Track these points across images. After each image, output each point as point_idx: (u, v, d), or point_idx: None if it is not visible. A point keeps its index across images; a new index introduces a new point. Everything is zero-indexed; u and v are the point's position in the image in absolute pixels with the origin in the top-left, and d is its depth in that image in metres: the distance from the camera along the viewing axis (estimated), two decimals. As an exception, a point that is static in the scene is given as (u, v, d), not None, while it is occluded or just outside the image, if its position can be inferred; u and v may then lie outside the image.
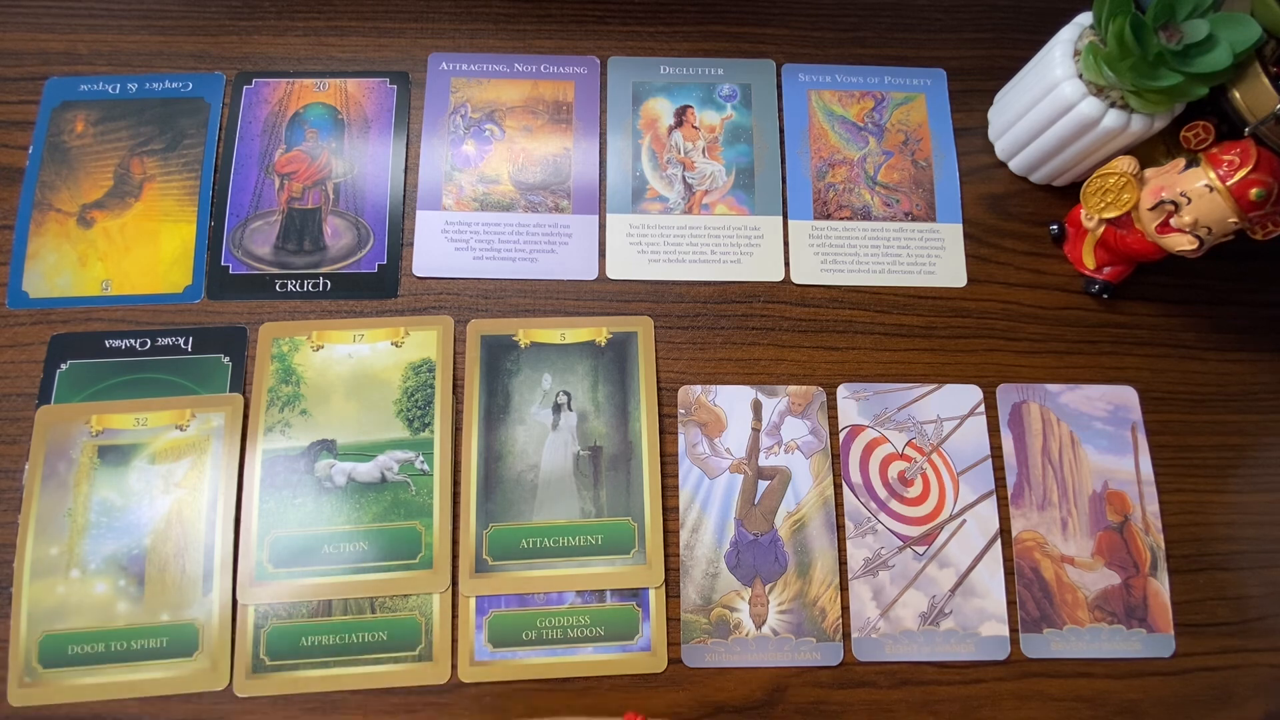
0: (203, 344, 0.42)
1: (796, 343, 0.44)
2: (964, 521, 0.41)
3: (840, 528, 0.41)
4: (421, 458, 0.40)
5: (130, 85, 0.46)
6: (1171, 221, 0.39)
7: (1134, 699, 0.40)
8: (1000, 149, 0.48)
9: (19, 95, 0.45)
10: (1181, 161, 0.39)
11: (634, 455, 0.41)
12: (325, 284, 0.43)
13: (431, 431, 0.41)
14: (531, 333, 0.43)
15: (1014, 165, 0.47)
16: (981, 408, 0.43)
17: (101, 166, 0.44)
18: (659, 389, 0.42)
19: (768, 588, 0.40)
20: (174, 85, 0.46)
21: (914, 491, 0.42)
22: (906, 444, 0.43)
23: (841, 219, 0.46)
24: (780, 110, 0.48)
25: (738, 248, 0.45)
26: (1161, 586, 0.41)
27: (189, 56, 0.47)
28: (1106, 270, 0.45)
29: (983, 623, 0.40)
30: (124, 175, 0.44)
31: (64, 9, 0.47)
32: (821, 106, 0.48)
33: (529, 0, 0.49)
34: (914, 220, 0.47)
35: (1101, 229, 0.43)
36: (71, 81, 0.45)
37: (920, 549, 0.41)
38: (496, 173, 0.46)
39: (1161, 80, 0.38)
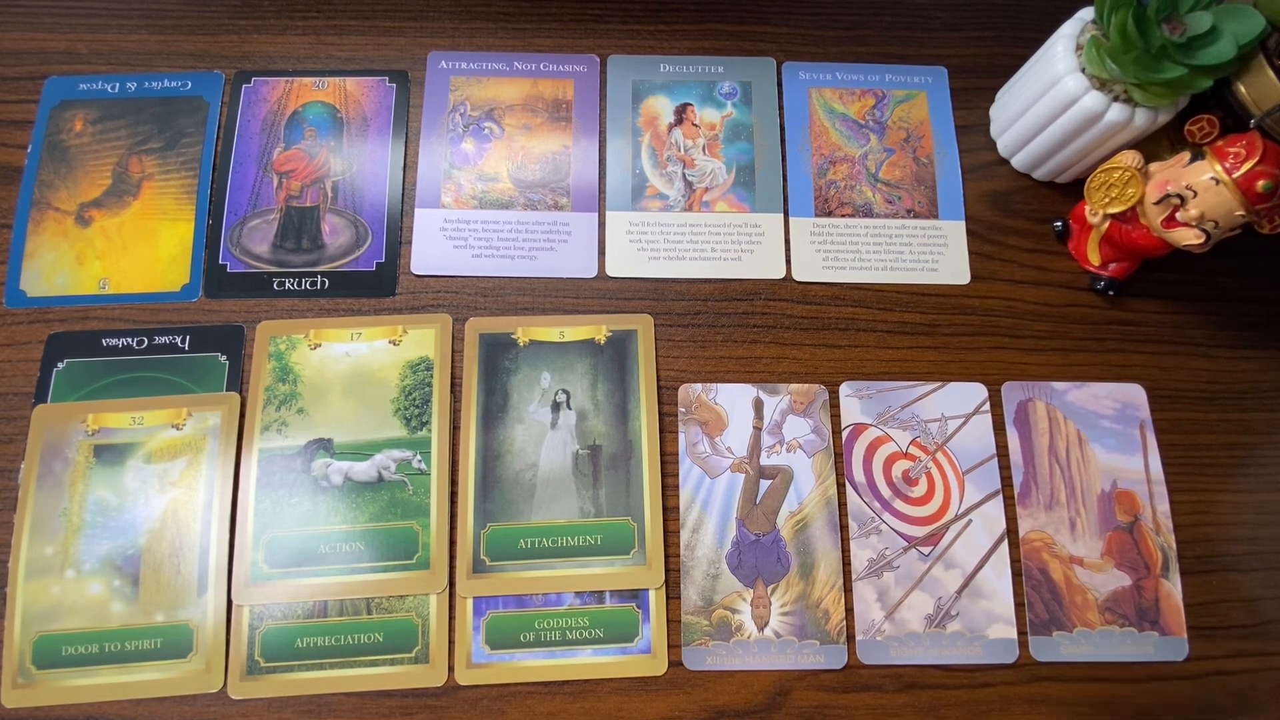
0: (200, 343, 0.42)
1: (798, 340, 0.44)
2: (970, 521, 0.41)
3: (844, 528, 0.40)
4: (419, 457, 0.40)
5: (129, 84, 0.46)
6: (1177, 215, 0.38)
7: (1147, 704, 0.39)
8: (1003, 146, 0.47)
9: (18, 94, 0.45)
10: (1186, 155, 0.38)
11: (634, 454, 0.41)
12: (323, 282, 0.43)
13: (429, 430, 0.40)
14: (530, 331, 0.43)
15: (1016, 162, 0.47)
16: (986, 406, 0.43)
17: (100, 165, 0.44)
18: (659, 387, 0.42)
19: (770, 589, 0.39)
20: (173, 84, 0.46)
21: (918, 491, 0.41)
22: (910, 443, 0.42)
23: (843, 216, 0.46)
24: (781, 108, 0.48)
25: (738, 245, 0.45)
26: (1173, 588, 0.40)
27: (188, 55, 0.47)
28: (1112, 266, 0.44)
29: (990, 625, 0.39)
30: (122, 174, 0.44)
31: (64, 9, 0.47)
32: (822, 104, 0.48)
33: None
34: (916, 217, 0.46)
35: (1106, 225, 0.42)
36: (71, 80, 0.46)
37: (925, 549, 0.40)
38: (496, 171, 0.46)
39: (1165, 73, 0.38)
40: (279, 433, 0.40)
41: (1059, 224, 0.46)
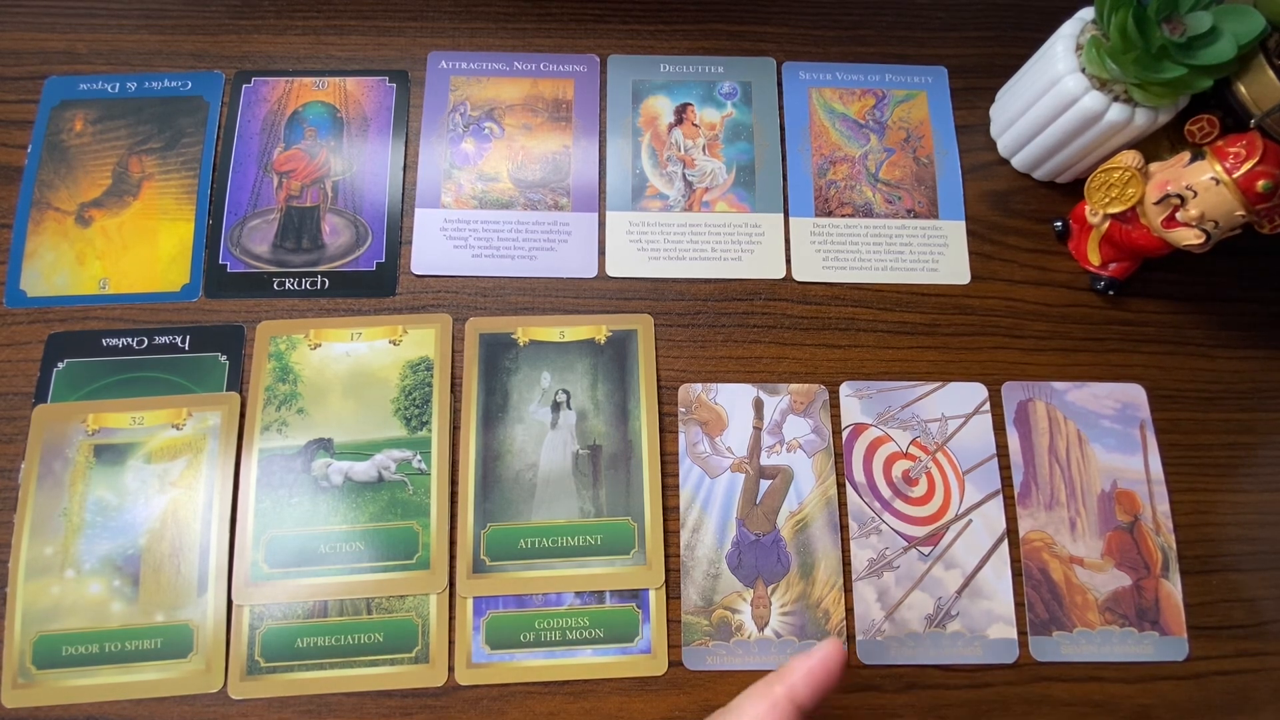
0: (200, 343, 0.42)
1: (798, 340, 0.44)
2: (970, 521, 0.41)
3: (844, 528, 0.40)
4: (419, 457, 0.40)
5: (129, 84, 0.46)
6: (1178, 216, 0.38)
7: (1147, 704, 0.39)
8: (1003, 146, 0.47)
9: (18, 94, 0.45)
10: (1186, 155, 0.38)
11: (634, 454, 0.41)
12: (323, 282, 0.43)
13: (429, 430, 0.40)
14: (530, 331, 0.43)
15: (1016, 162, 0.47)
16: (987, 406, 0.43)
17: (100, 165, 0.44)
18: (659, 387, 0.42)
19: (770, 589, 0.39)
20: (173, 84, 0.46)
21: (919, 491, 0.41)
22: (911, 442, 0.42)
23: (843, 216, 0.46)
24: (781, 108, 0.48)
25: (738, 245, 0.45)
26: (1174, 588, 0.40)
27: (188, 55, 0.47)
28: (1112, 266, 0.44)
29: (990, 625, 0.39)
30: (122, 174, 0.44)
31: (64, 8, 0.47)
32: (822, 104, 0.48)
33: None
34: (916, 217, 0.46)
35: (1106, 225, 0.42)
36: (71, 80, 0.46)
37: (925, 549, 0.40)
38: (496, 170, 0.46)
39: (1165, 73, 0.38)
40: (279, 433, 0.40)
41: (1059, 224, 0.46)
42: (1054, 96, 0.42)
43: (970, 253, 0.46)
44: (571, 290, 0.44)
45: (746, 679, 0.38)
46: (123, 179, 0.44)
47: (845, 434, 0.42)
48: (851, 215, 0.46)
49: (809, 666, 0.23)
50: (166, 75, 0.46)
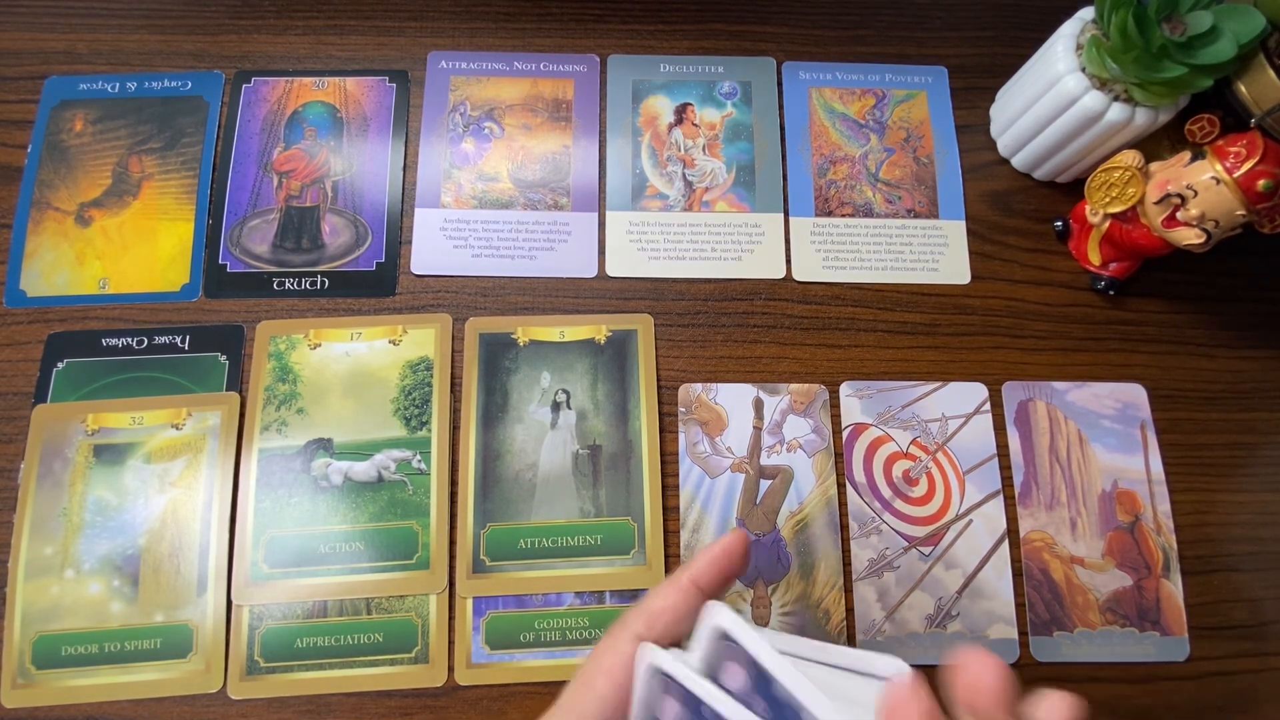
0: (199, 343, 0.42)
1: (798, 340, 0.44)
2: (970, 521, 0.41)
3: (844, 528, 0.40)
4: (419, 457, 0.40)
5: (129, 84, 0.46)
6: (1178, 215, 0.38)
7: (1148, 704, 0.39)
8: (1003, 146, 0.47)
9: (18, 94, 0.45)
10: (1187, 154, 0.38)
11: (634, 454, 0.41)
12: (323, 282, 0.43)
13: (429, 430, 0.40)
14: (530, 331, 0.42)
15: (1017, 162, 0.47)
16: (987, 405, 0.43)
17: (100, 165, 0.44)
18: (659, 387, 0.42)
19: (770, 589, 0.39)
20: (173, 84, 0.46)
21: (919, 491, 0.41)
22: (911, 442, 0.42)
23: (843, 216, 0.46)
24: (781, 108, 0.48)
25: (739, 245, 0.45)
26: (1174, 588, 0.40)
27: (188, 55, 0.47)
28: (1112, 266, 0.44)
29: (991, 625, 0.39)
30: (122, 174, 0.44)
31: (64, 8, 0.47)
32: (822, 104, 0.48)
33: None
34: (917, 217, 0.46)
35: (1107, 224, 0.42)
36: (71, 80, 0.46)
37: (926, 549, 0.40)
38: (496, 170, 0.46)
39: (1165, 72, 0.38)
40: (279, 432, 0.40)
41: (1059, 224, 0.46)
42: (1054, 96, 0.41)
43: (970, 252, 0.45)
44: (571, 290, 0.44)
45: (747, 679, 0.38)
46: (123, 179, 0.44)
47: (845, 434, 0.42)
48: (851, 215, 0.46)
49: (712, 554, 0.26)
50: (166, 75, 0.46)
